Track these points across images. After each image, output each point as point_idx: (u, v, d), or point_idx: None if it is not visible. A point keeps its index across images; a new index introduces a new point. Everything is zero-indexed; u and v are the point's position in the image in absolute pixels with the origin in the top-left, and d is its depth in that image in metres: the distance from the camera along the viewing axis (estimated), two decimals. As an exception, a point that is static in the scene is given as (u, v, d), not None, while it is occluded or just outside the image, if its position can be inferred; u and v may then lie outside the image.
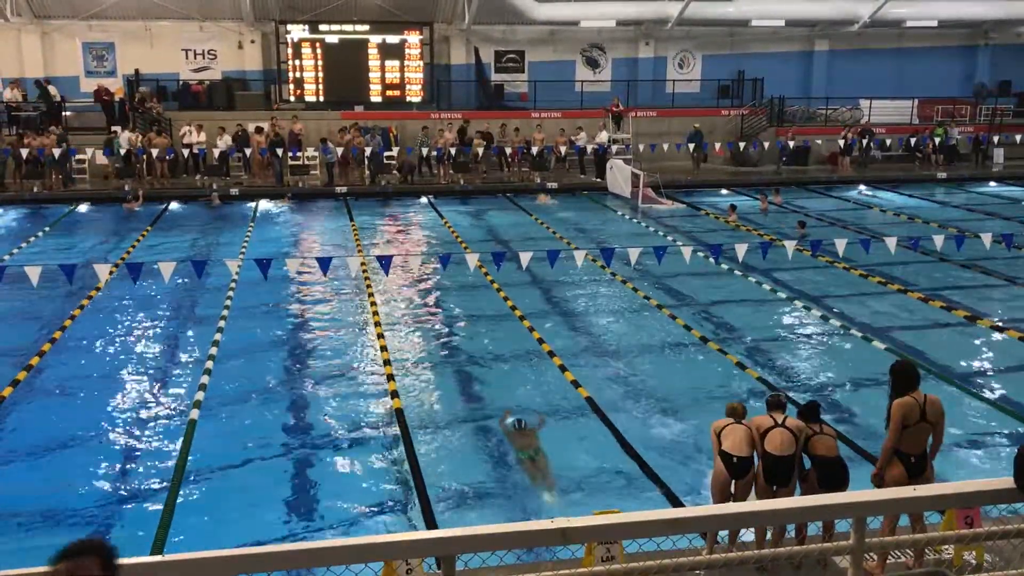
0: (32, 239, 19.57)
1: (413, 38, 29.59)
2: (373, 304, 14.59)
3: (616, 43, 33.05)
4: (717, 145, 28.51)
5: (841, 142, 29.42)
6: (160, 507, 8.06)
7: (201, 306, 14.89)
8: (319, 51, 29.13)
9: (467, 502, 8.45)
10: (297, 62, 29.17)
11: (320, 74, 29.27)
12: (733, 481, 6.76)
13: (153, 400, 10.93)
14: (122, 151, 25.24)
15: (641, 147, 27.73)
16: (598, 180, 27.26)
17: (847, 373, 11.60)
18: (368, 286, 15.61)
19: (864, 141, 29.73)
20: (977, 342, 13.05)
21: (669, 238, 19.93)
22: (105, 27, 29.61)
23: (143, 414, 10.48)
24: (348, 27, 29.30)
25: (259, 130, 26.14)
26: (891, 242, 14.11)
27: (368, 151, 26.25)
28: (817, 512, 5.01)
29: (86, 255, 18.13)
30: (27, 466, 9.27)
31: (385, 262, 13.08)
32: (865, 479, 6.76)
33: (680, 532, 4.54)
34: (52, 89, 27.70)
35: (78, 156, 25.20)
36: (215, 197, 24.36)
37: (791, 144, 29.67)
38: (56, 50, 29.50)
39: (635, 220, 22.50)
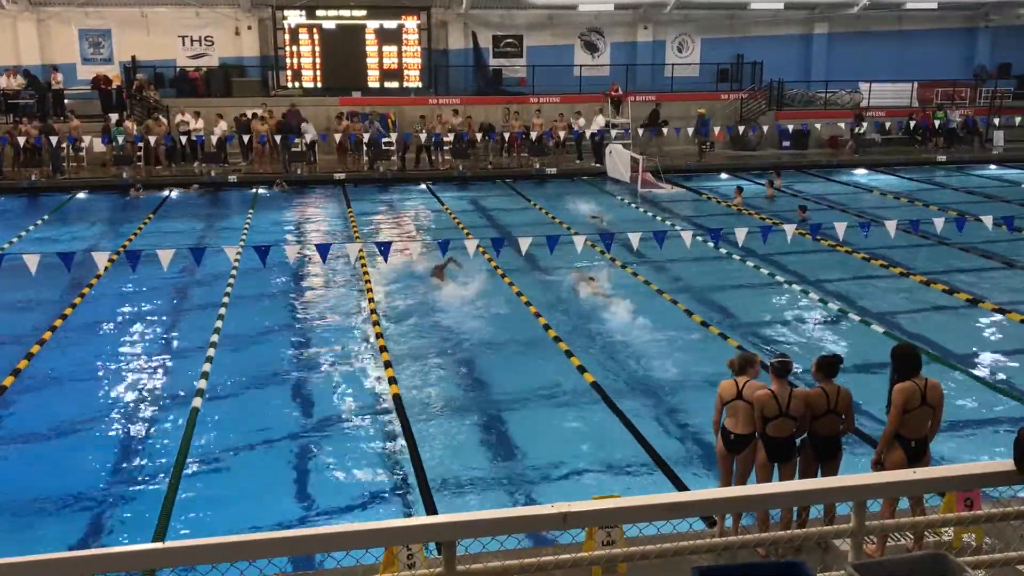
0: (31, 228, 19.54)
1: (411, 23, 29.45)
2: (372, 291, 14.58)
3: (614, 27, 32.91)
4: (716, 129, 28.44)
5: (853, 127, 29.38)
6: (162, 494, 8.08)
7: (202, 294, 14.89)
8: (316, 37, 28.99)
9: (467, 487, 8.47)
10: (294, 48, 29.04)
11: (317, 60, 29.15)
12: (733, 455, 6.80)
13: (154, 388, 10.95)
14: (121, 139, 25.19)
15: (640, 131, 27.65)
16: (597, 165, 27.21)
17: (847, 357, 11.51)
18: (365, 272, 15.60)
19: (859, 127, 29.55)
20: (978, 325, 13.06)
21: (669, 223, 19.91)
22: (101, 14, 29.46)
23: (144, 402, 10.50)
24: (345, 12, 29.16)
25: (255, 115, 26.06)
26: (891, 226, 14.09)
27: (366, 137, 26.19)
28: (818, 495, 5.01)
29: (86, 243, 18.11)
30: (29, 454, 9.29)
31: (384, 248, 13.06)
32: (865, 463, 6.77)
33: (681, 516, 4.54)
34: (58, 76, 27.59)
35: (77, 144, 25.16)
36: (139, 190, 23.78)
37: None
38: (52, 37, 29.35)
39: (634, 205, 22.46)
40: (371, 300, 14.05)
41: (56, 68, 28.03)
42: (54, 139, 24.39)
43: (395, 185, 25.47)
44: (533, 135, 27.10)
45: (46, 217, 20.76)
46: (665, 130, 28.51)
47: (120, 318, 13.60)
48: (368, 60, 29.39)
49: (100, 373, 11.39)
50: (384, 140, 26.70)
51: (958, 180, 26.25)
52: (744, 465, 6.80)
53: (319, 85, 29.28)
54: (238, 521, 7.47)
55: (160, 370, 11.54)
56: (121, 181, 24.22)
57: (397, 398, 10.17)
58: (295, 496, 8.40)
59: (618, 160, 25.90)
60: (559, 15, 32.12)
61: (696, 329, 12.73)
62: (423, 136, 26.43)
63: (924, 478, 4.72)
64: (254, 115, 26.09)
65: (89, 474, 8.74)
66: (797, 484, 5.74)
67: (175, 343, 12.64)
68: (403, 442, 9.18)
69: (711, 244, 16.14)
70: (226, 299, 13.97)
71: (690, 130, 28.00)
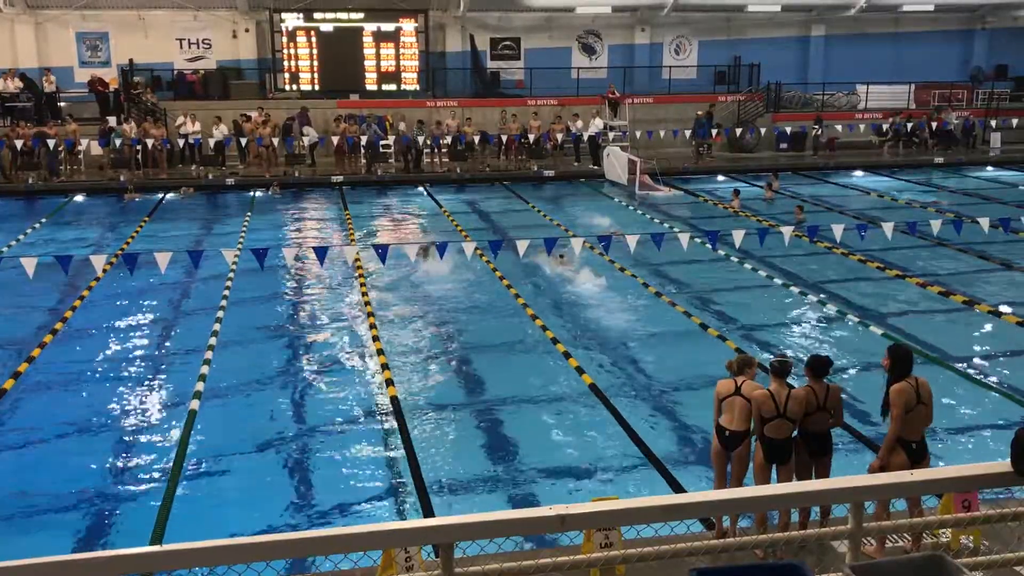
0: (29, 231, 19.51)
1: (408, 25, 29.46)
2: (369, 293, 14.57)
3: (612, 29, 32.94)
4: (714, 131, 28.45)
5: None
6: (160, 497, 8.07)
7: (200, 296, 14.88)
8: (314, 39, 28.98)
9: (464, 489, 8.47)
10: (292, 51, 29.02)
11: (315, 63, 29.13)
12: (728, 452, 6.81)
13: (153, 390, 10.94)
14: (118, 142, 25.17)
15: (638, 134, 27.68)
16: (595, 167, 27.21)
17: (845, 358, 11.60)
18: (360, 275, 15.59)
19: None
20: (974, 327, 13.07)
21: (667, 225, 19.91)
22: (99, 17, 29.48)
23: (143, 404, 10.49)
24: (343, 15, 29.14)
25: (248, 118, 26.05)
26: (888, 227, 14.10)
27: (364, 140, 26.18)
28: (815, 497, 5.02)
29: (85, 246, 18.08)
30: (27, 457, 9.27)
31: (382, 251, 13.07)
32: (863, 464, 6.77)
33: (679, 518, 4.55)
34: (51, 78, 27.57)
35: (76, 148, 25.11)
36: (133, 192, 23.64)
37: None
38: (50, 40, 29.36)
39: (632, 207, 22.47)
40: (368, 303, 14.04)
41: (49, 70, 27.99)
42: (51, 142, 24.36)
43: (393, 188, 25.46)
44: (531, 137, 27.11)
45: (43, 220, 20.74)
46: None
47: (118, 321, 13.57)
48: (366, 63, 29.39)
49: (99, 376, 11.38)
50: (382, 143, 26.69)
51: (955, 182, 26.29)
52: (740, 463, 6.81)
53: (317, 88, 29.26)
54: (235, 524, 7.47)
55: (158, 373, 11.52)
56: (119, 184, 24.18)
57: (394, 400, 10.16)
58: (292, 499, 8.38)
59: (616, 162, 25.91)
60: (557, 18, 32.14)
61: (694, 330, 12.74)
62: (421, 139, 26.43)
63: (922, 479, 4.72)
64: (248, 118, 26.07)
65: (87, 477, 8.72)
66: (795, 486, 5.75)
67: (173, 346, 12.62)
68: (400, 444, 9.18)
69: (709, 246, 16.15)
70: (224, 302, 13.96)
71: (687, 132, 28.02)
